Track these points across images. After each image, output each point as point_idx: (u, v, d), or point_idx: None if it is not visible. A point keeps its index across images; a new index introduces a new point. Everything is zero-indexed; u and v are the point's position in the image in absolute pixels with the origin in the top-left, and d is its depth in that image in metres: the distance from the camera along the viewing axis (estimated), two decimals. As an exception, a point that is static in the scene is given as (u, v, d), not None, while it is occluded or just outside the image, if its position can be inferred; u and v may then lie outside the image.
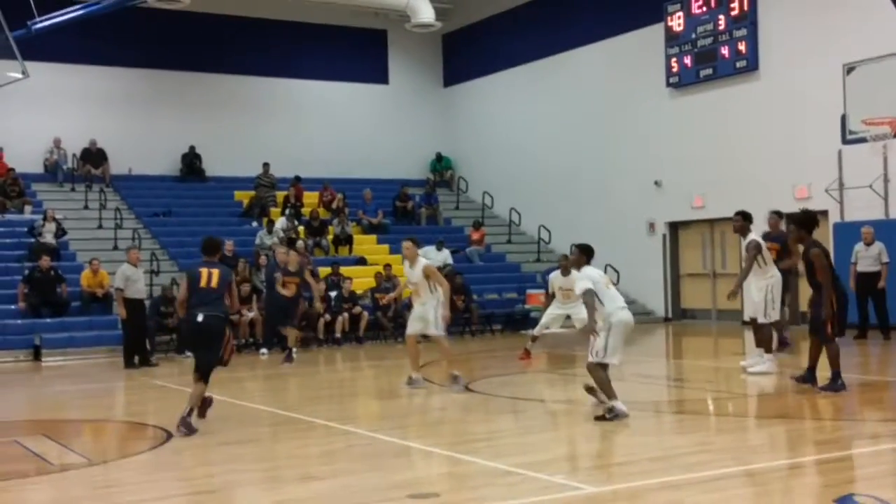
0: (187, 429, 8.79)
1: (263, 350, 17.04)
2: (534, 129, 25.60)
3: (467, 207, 27.15)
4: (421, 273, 11.24)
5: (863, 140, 15.53)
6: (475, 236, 23.97)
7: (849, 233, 17.03)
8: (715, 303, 21.32)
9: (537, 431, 9.11)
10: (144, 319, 15.93)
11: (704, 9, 20.98)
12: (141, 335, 15.76)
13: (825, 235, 18.64)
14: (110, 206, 22.70)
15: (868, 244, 15.84)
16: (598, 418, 8.88)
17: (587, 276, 9.11)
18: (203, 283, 9.05)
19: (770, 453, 7.72)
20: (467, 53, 27.77)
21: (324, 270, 19.81)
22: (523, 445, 8.38)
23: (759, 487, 6.52)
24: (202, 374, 9.14)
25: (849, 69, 15.55)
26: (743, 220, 12.13)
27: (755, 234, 12.24)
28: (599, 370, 8.96)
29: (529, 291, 21.30)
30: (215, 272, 9.12)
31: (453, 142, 28.27)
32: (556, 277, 13.87)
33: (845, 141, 15.84)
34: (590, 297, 8.91)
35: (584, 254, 9.34)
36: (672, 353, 17.24)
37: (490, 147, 27.04)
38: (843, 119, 15.52)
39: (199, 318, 8.96)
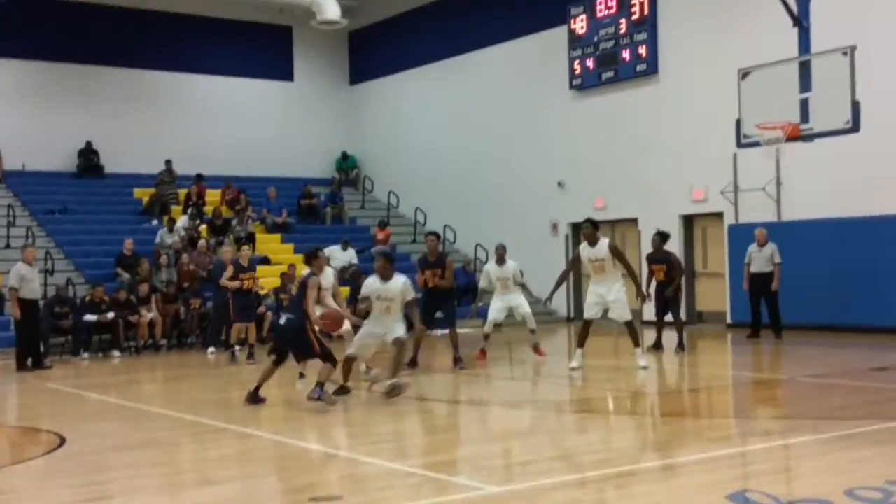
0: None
1: (211, 349, 16.70)
2: (440, 128, 25.69)
3: (373, 207, 27.08)
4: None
5: (756, 144, 15.99)
6: (380, 236, 23.92)
7: (743, 234, 17.54)
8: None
9: (440, 432, 9.15)
10: (38, 320, 15.46)
11: (606, 12, 21.34)
12: (34, 337, 15.29)
13: (720, 237, 19.19)
14: (2, 202, 21.97)
15: (761, 245, 16.33)
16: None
17: (411, 286, 10.30)
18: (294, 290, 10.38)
19: (666, 451, 7.90)
20: (374, 52, 27.70)
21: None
22: (426, 446, 8.41)
23: (655, 484, 6.66)
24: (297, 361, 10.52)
25: (744, 74, 15.97)
26: (593, 228, 12.38)
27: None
28: None
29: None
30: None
31: (359, 140, 28.18)
32: (492, 269, 13.97)
33: (740, 144, 16.27)
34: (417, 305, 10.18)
35: (391, 261, 10.60)
36: (573, 353, 17.46)
37: (396, 146, 27.03)
38: (738, 123, 15.95)
39: (281, 320, 10.09)
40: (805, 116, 14.96)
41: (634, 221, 20.91)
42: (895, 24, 16.46)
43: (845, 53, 14.51)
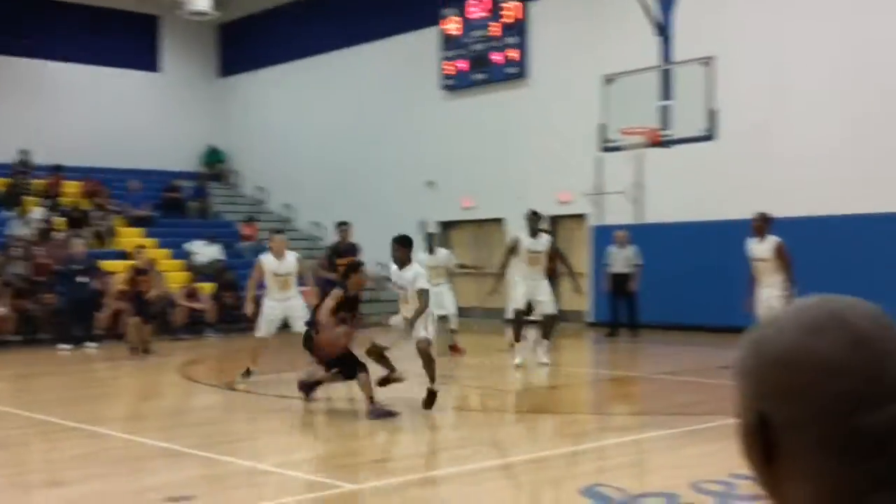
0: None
1: (64, 346, 16.01)
2: (310, 125, 25.46)
3: (240, 202, 26.62)
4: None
5: (619, 148, 16.45)
6: (247, 231, 23.54)
7: (605, 236, 18.01)
8: (482, 301, 21.94)
9: (301, 430, 9.07)
10: None
11: (479, 15, 21.56)
12: None
13: (583, 238, 19.65)
14: None
15: (621, 247, 16.80)
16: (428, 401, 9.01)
17: (423, 274, 9.25)
18: None
19: (525, 446, 8.04)
20: (244, 45, 27.24)
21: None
22: (286, 444, 8.33)
23: (513, 479, 6.77)
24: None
25: (608, 80, 16.41)
26: (536, 220, 12.62)
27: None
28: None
29: (302, 288, 21.10)
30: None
31: (227, 134, 27.67)
32: (423, 258, 13.76)
33: (603, 149, 16.72)
34: (425, 300, 8.99)
35: (409, 247, 9.46)
36: (438, 350, 17.57)
37: (265, 141, 26.65)
38: (602, 128, 16.38)
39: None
40: (665, 123, 15.47)
41: (500, 222, 21.20)
42: (752, 36, 17.17)
43: (704, 63, 15.07)
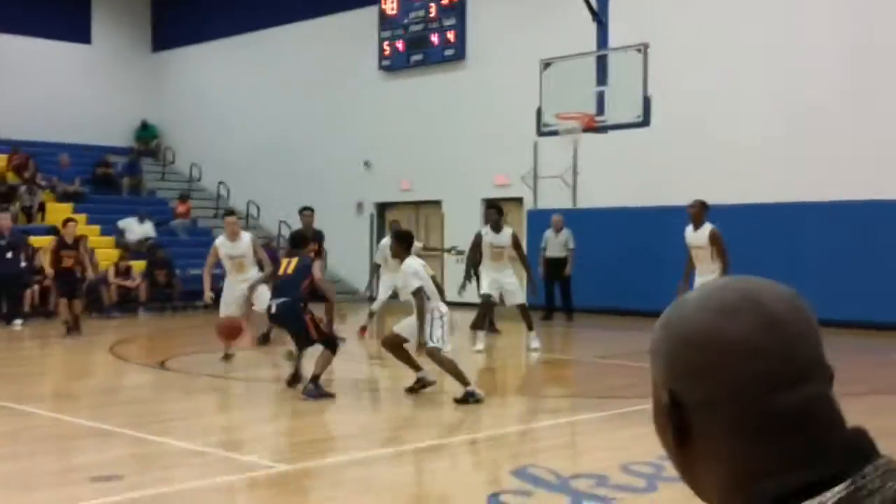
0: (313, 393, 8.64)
1: (18, 321, 15.57)
2: (246, 102, 25.14)
3: (174, 179, 26.22)
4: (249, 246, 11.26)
5: (555, 133, 16.51)
6: (181, 209, 23.22)
7: (541, 220, 18.12)
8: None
9: (235, 410, 9.01)
10: None
11: (418, -5, 21.48)
12: None
13: (519, 222, 19.75)
14: None
15: (557, 231, 16.93)
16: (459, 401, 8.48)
17: (415, 272, 8.47)
18: (280, 271, 9.40)
19: (456, 428, 8.08)
20: (179, 19, 26.77)
21: None
22: (219, 425, 8.27)
23: (446, 461, 6.81)
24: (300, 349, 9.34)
25: (545, 65, 16.46)
26: (498, 215, 12.65)
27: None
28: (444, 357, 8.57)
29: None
30: (294, 261, 9.39)
31: (161, 110, 27.20)
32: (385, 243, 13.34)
33: (540, 133, 16.77)
34: (420, 299, 8.39)
35: (405, 243, 8.84)
36: (375, 333, 17.58)
37: (199, 118, 26.26)
38: (539, 112, 16.43)
39: (273, 309, 9.16)
40: (601, 109, 15.56)
41: (438, 204, 21.21)
42: (687, 23, 17.39)
43: (639, 50, 15.18)
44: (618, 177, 18.09)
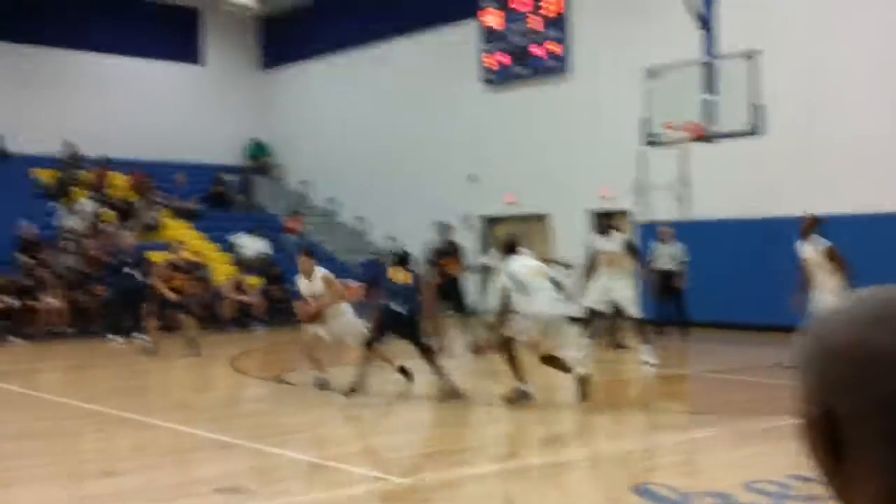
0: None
1: (115, 338, 16.14)
2: (353, 118, 25.53)
3: (284, 195, 26.80)
4: (322, 284, 10.73)
5: (662, 143, 16.30)
6: (292, 225, 23.70)
7: (648, 232, 17.87)
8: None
9: (348, 423, 9.11)
10: None
11: (520, 8, 21.49)
12: None
13: (626, 234, 19.51)
14: None
15: (665, 243, 16.66)
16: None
17: (506, 273, 9.08)
18: (401, 280, 9.84)
19: (574, 443, 8.02)
20: (286, 38, 27.37)
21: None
22: (334, 437, 8.38)
23: (562, 477, 6.75)
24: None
25: (651, 74, 16.27)
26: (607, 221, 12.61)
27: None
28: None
29: (345, 282, 21.23)
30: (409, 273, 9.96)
31: (271, 128, 27.82)
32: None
33: (646, 143, 16.57)
34: (503, 299, 8.97)
35: (507, 249, 9.39)
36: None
37: (309, 135, 26.77)
38: (645, 122, 16.24)
39: (404, 313, 9.59)
40: (709, 118, 15.29)
41: (544, 217, 21.14)
42: (797, 28, 16.95)
43: (749, 57, 14.87)
44: (729, 187, 17.72)
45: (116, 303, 16.79)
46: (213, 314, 17.94)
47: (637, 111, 16.67)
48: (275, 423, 8.87)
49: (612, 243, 12.24)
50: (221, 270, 19.92)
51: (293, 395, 10.14)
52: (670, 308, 16.72)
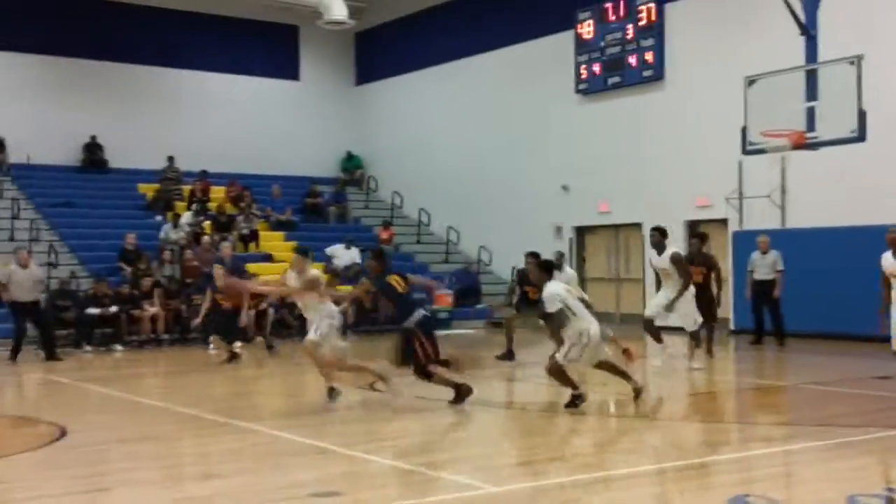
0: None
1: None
2: (444, 130, 25.69)
3: (377, 207, 27.09)
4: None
5: (762, 151, 15.95)
6: (384, 236, 23.94)
7: (747, 241, 17.51)
8: (619, 307, 21.71)
9: (441, 431, 9.15)
10: (38, 318, 15.45)
11: (614, 18, 21.35)
12: (44, 333, 15.51)
13: (724, 244, 19.16)
14: (7, 195, 21.99)
15: (764, 252, 16.31)
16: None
17: (553, 296, 9.29)
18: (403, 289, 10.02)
19: (666, 454, 7.90)
20: (380, 52, 27.72)
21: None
22: (427, 445, 8.42)
23: (656, 488, 6.66)
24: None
25: (750, 81, 15.95)
26: (660, 237, 12.64)
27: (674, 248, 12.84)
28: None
29: (437, 292, 21.33)
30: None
31: (364, 140, 28.18)
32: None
33: (745, 152, 16.23)
34: (554, 322, 9.32)
35: (546, 270, 9.64)
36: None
37: (401, 147, 27.03)
38: (744, 130, 15.93)
39: (429, 317, 10.08)
40: (811, 125, 14.92)
41: (638, 227, 20.90)
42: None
43: (852, 63, 14.47)
44: (829, 194, 17.27)
45: (214, 312, 17.15)
46: (304, 323, 18.18)
47: (734, 119, 16.37)
48: (368, 430, 8.96)
49: (663, 259, 12.52)
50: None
51: (384, 402, 10.22)
52: (767, 318, 16.37)
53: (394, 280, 9.92)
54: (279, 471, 7.28)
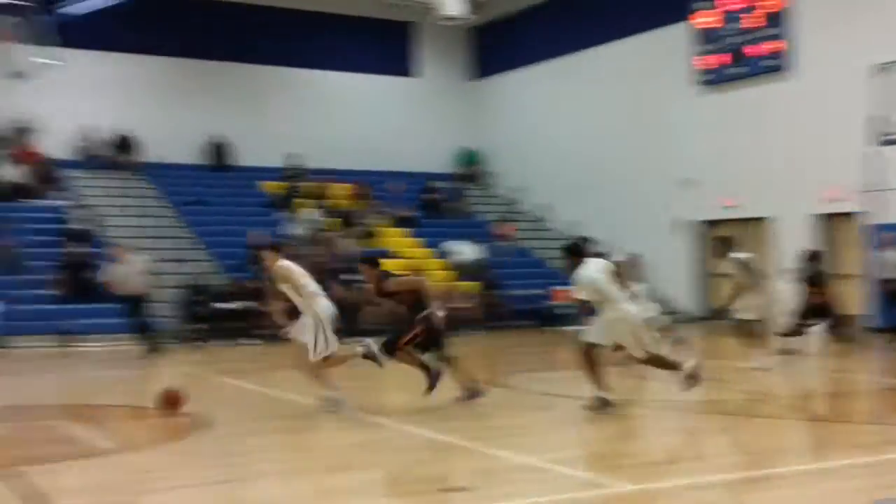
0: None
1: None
2: (563, 124, 25.53)
3: (495, 202, 27.13)
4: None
5: (893, 142, 15.37)
6: (504, 231, 23.96)
7: (879, 235, 16.89)
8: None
9: (569, 428, 9.11)
10: (141, 312, 15.99)
11: (734, 7, 20.84)
12: (143, 326, 16.00)
13: (853, 237, 18.50)
14: (142, 193, 22.84)
15: (889, 250, 15.67)
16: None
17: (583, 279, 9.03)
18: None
19: (807, 455, 7.70)
20: (497, 47, 27.72)
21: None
22: (554, 441, 8.39)
23: (795, 489, 6.49)
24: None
25: (879, 69, 15.38)
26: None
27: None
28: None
29: (555, 287, 21.24)
30: None
31: (482, 136, 28.22)
32: None
33: (875, 143, 15.67)
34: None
35: (574, 253, 9.36)
36: (704, 353, 17.16)
37: (519, 141, 26.99)
38: (873, 120, 15.36)
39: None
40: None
41: (764, 221, 20.38)
42: None
43: None
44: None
45: (336, 308, 17.45)
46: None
47: (862, 109, 15.83)
48: (496, 426, 8.99)
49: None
50: (437, 276, 20.38)
51: (512, 398, 10.24)
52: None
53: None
54: (409, 465, 7.38)
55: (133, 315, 15.82)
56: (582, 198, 24.69)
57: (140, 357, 15.46)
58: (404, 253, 21.76)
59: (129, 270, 15.90)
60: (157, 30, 24.37)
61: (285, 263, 9.94)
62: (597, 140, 24.47)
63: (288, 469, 7.36)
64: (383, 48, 27.79)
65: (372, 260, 10.40)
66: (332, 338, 9.70)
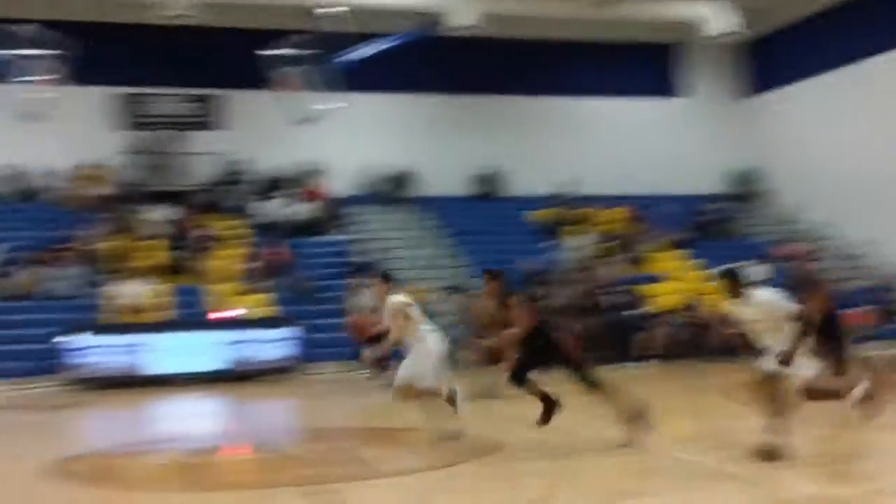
0: None
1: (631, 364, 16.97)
2: (849, 137, 24.06)
3: (771, 222, 26.03)
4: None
5: None
6: (789, 251, 22.99)
7: None
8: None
9: (869, 454, 8.61)
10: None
11: None
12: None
13: None
14: (421, 226, 23.83)
15: None
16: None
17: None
18: None
19: None
20: (773, 61, 26.67)
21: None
22: (856, 472, 7.93)
23: None
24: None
25: None
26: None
27: None
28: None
29: (844, 310, 19.96)
30: None
31: (758, 153, 27.14)
32: None
33: None
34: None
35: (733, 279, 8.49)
36: None
37: (796, 158, 25.77)
38: None
39: None
40: None
41: None
42: None
43: None
44: None
45: (601, 335, 17.33)
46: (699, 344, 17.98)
47: None
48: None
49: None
50: (712, 299, 19.83)
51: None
52: None
53: None
54: (688, 493, 7.25)
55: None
56: (870, 215, 23.11)
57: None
58: (680, 277, 21.33)
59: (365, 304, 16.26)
60: (428, 69, 25.41)
61: (399, 297, 9.73)
62: (884, 154, 22.87)
63: (574, 495, 7.44)
64: (647, 71, 27.53)
65: (496, 273, 10.15)
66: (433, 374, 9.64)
